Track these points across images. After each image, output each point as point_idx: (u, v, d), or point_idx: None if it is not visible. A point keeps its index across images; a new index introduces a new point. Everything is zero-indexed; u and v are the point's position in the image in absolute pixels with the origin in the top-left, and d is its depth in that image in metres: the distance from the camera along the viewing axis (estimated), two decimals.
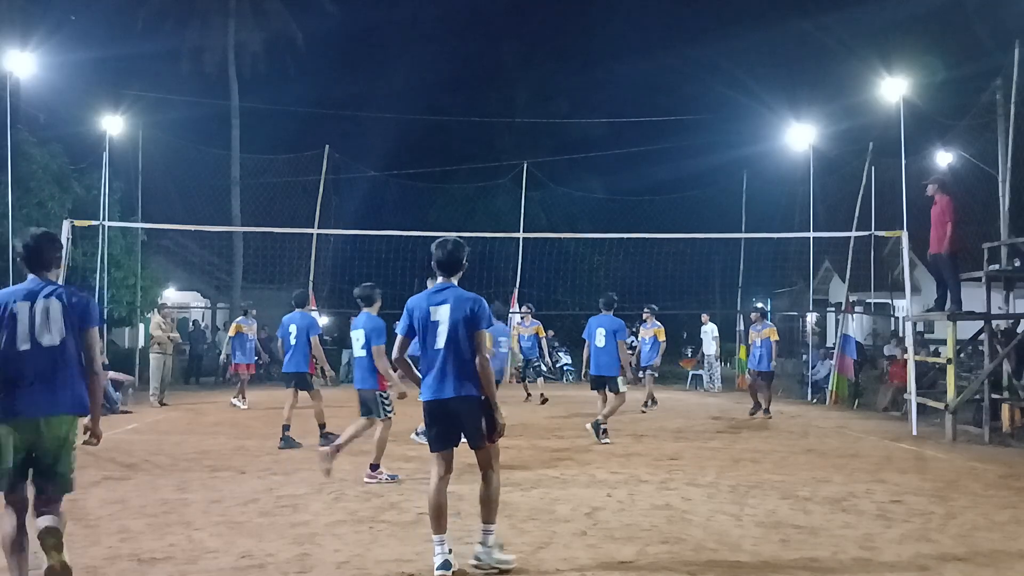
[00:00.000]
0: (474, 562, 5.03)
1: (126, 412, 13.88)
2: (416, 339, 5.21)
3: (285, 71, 29.20)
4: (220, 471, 8.31)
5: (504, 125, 31.87)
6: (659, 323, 15.13)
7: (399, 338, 5.30)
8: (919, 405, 12.13)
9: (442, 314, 5.06)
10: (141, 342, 18.99)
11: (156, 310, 17.04)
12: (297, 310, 10.39)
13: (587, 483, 7.86)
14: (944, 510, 6.81)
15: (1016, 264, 11.91)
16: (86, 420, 4.43)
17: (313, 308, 21.51)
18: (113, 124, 17.60)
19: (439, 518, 4.97)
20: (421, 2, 38.09)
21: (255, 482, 7.88)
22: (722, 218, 22.90)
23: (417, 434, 9.93)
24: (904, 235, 12.59)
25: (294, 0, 28.81)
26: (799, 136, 19.63)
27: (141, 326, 19.54)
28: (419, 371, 5.29)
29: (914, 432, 11.49)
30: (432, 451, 5.17)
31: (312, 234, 20.17)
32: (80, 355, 4.41)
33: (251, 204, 25.70)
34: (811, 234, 18.48)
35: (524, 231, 21.51)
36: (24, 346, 4.30)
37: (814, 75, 30.60)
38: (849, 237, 16.45)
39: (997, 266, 12.00)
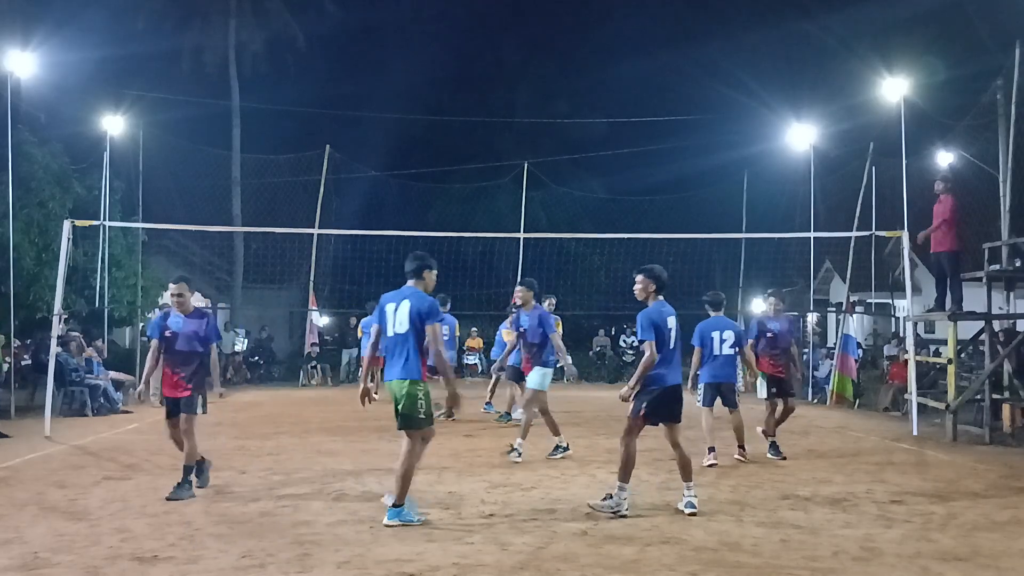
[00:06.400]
0: (685, 508, 6.63)
1: (126, 412, 13.89)
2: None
3: (285, 71, 29.17)
4: (220, 471, 8.30)
5: (504, 125, 31.80)
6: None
7: (649, 343, 6.72)
8: (920, 405, 12.12)
9: (673, 323, 6.87)
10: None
11: (156, 310, 17.03)
12: None
13: (587, 483, 7.87)
14: (944, 510, 6.81)
15: (1017, 264, 11.90)
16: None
17: (314, 308, 21.56)
18: (114, 124, 17.57)
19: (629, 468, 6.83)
20: (421, 2, 38.01)
21: (255, 482, 7.89)
22: (723, 218, 22.83)
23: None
24: (905, 235, 12.57)
25: (294, 0, 28.81)
26: (799, 136, 19.62)
27: (142, 326, 19.51)
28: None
29: (915, 432, 11.48)
30: (641, 420, 6.88)
31: (312, 234, 20.16)
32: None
33: (251, 204, 25.68)
34: (811, 234, 18.47)
35: (524, 231, 21.43)
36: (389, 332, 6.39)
37: (814, 75, 30.55)
38: (850, 237, 16.43)
39: (998, 266, 11.99)
